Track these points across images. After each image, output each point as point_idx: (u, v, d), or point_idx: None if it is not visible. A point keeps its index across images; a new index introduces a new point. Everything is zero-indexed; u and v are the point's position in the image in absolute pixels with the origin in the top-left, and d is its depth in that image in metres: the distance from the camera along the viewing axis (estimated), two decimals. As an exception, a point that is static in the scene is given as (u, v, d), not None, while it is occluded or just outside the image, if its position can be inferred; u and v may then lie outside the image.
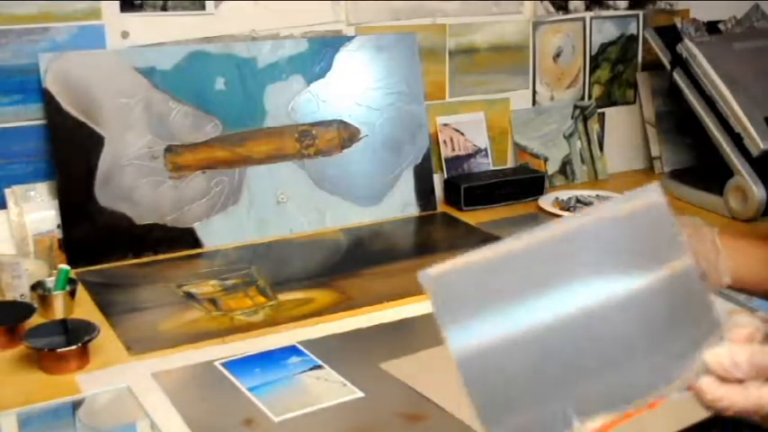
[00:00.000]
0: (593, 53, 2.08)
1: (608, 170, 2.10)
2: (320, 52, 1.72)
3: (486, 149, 1.95)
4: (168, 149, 1.59)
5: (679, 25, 1.94)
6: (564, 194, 1.90)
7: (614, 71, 2.12)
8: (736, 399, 0.59)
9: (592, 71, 2.09)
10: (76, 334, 1.16)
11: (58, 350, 1.12)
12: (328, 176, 1.72)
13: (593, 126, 2.08)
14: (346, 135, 1.74)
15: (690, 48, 1.84)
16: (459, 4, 1.88)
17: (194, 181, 1.60)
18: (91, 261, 1.51)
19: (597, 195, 1.89)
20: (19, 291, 1.33)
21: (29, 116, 1.52)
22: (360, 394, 1.08)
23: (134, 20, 1.58)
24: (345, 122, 1.74)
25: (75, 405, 1.08)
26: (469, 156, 1.93)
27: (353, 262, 1.55)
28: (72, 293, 1.31)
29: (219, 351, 1.20)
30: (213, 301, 1.37)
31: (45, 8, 1.51)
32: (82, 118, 1.52)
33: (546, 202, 1.85)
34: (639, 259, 0.59)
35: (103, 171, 1.53)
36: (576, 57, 2.06)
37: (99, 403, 1.09)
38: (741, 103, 1.75)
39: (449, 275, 0.57)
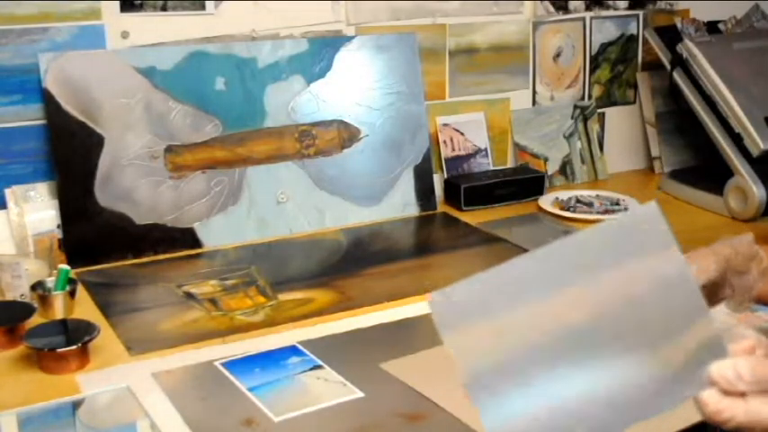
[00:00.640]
0: (593, 53, 2.08)
1: (608, 170, 2.10)
2: (320, 52, 1.72)
3: (486, 149, 1.95)
4: (168, 149, 1.59)
5: (679, 25, 1.94)
6: (564, 194, 1.90)
7: (614, 71, 2.12)
8: (737, 412, 0.59)
9: (592, 71, 2.09)
10: (76, 334, 1.16)
11: (58, 350, 1.12)
12: (328, 176, 1.72)
13: (593, 126, 2.08)
14: (346, 135, 1.73)
15: (690, 48, 1.84)
16: (459, 4, 1.88)
17: (194, 181, 1.60)
18: (91, 261, 1.51)
19: (597, 195, 1.89)
20: (19, 291, 1.33)
21: (29, 116, 1.52)
22: (360, 394, 1.08)
23: (134, 20, 1.58)
24: (345, 122, 1.74)
25: (75, 405, 1.08)
26: (469, 156, 1.93)
27: (353, 262, 1.55)
28: (72, 293, 1.31)
29: (219, 351, 1.20)
30: (213, 301, 1.37)
31: (45, 8, 1.51)
32: (82, 118, 1.52)
33: (546, 202, 1.84)
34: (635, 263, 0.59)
35: (103, 171, 1.53)
36: (576, 57, 2.06)
37: (99, 403, 1.09)
38: (741, 103, 1.75)
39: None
